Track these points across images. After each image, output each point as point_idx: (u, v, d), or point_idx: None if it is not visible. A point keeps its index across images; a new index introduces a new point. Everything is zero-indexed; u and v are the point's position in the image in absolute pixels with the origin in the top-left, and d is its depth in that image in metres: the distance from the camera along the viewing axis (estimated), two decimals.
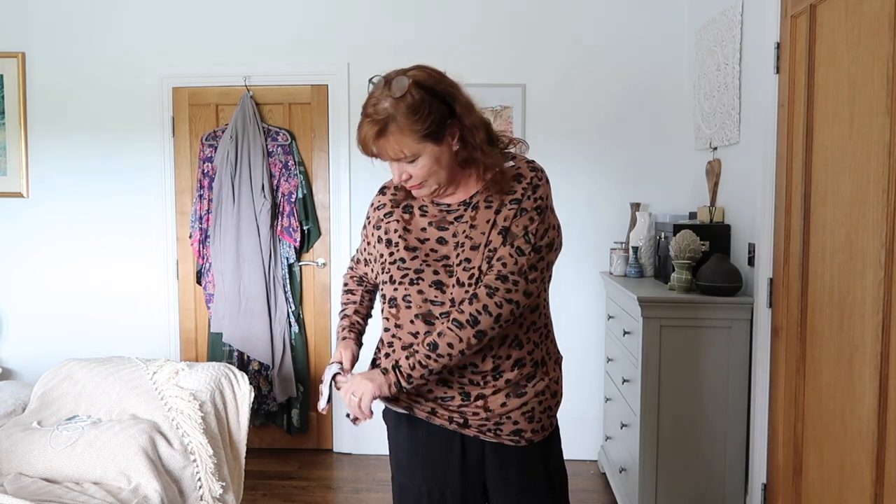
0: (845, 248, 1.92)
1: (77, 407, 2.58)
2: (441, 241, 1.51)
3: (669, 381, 2.54)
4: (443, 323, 1.45)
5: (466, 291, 1.45)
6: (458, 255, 1.48)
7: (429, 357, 1.43)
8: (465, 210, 1.51)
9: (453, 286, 1.47)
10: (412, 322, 1.50)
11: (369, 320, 1.75)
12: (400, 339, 1.53)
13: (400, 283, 1.50)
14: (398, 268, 1.51)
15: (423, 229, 1.53)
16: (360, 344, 1.68)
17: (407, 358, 1.45)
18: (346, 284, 1.77)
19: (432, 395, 1.53)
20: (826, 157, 2.05)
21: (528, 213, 1.47)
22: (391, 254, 1.53)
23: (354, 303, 1.72)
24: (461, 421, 1.52)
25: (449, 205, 1.54)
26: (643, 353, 2.54)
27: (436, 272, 1.48)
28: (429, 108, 1.39)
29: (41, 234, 3.77)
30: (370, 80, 1.46)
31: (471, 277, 1.45)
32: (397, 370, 1.45)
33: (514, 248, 1.45)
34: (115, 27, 3.65)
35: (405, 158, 1.42)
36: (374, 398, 1.46)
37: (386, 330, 1.57)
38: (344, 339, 1.67)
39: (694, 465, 2.57)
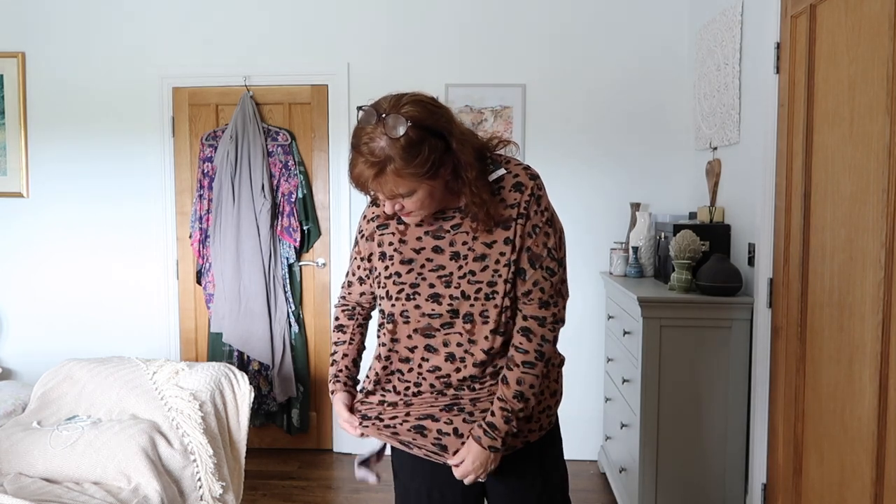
0: (845, 248, 1.92)
1: (77, 407, 2.58)
2: (437, 249, 1.49)
3: (669, 381, 2.54)
4: (511, 367, 1.45)
5: (472, 305, 1.44)
6: (460, 266, 1.46)
7: (522, 410, 1.45)
8: (463, 218, 1.48)
9: (452, 297, 1.45)
10: (409, 337, 1.49)
11: (363, 353, 1.72)
12: (397, 352, 1.52)
13: (397, 299, 1.48)
14: (394, 283, 1.49)
15: (419, 238, 1.50)
16: (353, 390, 1.67)
17: (506, 422, 1.44)
18: (336, 318, 1.71)
19: (422, 413, 1.50)
20: (826, 157, 2.05)
21: (542, 228, 1.46)
22: (386, 268, 1.51)
23: (344, 342, 1.67)
24: (452, 434, 1.48)
25: (444, 211, 1.51)
26: (643, 353, 2.54)
27: (431, 285, 1.46)
28: (427, 148, 1.33)
29: (41, 235, 3.77)
30: (360, 108, 1.38)
31: (478, 291, 1.44)
32: (492, 432, 1.44)
33: (544, 271, 1.46)
34: (115, 27, 3.65)
35: (401, 196, 1.39)
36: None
37: (382, 345, 1.55)
38: (333, 392, 1.65)
39: (694, 465, 2.57)
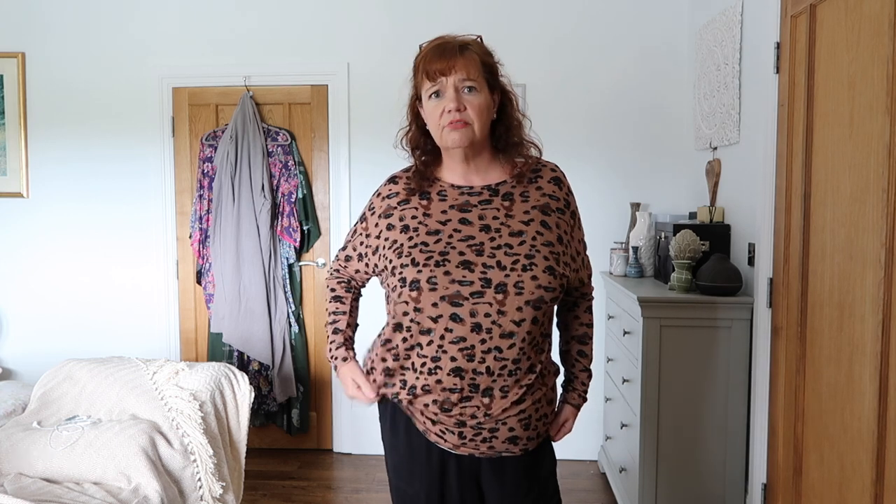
0: (845, 248, 1.92)
1: (77, 407, 2.58)
2: (464, 221, 1.49)
3: (669, 381, 2.54)
4: (588, 343, 1.70)
5: (507, 276, 1.43)
6: (492, 238, 1.47)
7: (590, 367, 1.70)
8: (493, 196, 1.51)
9: (486, 266, 1.44)
10: (435, 305, 1.44)
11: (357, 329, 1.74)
12: (419, 323, 1.46)
13: (424, 266, 1.45)
14: (420, 251, 1.47)
15: (444, 212, 1.51)
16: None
17: (585, 383, 1.69)
18: (333, 290, 1.71)
19: (436, 395, 1.47)
20: (826, 157, 2.05)
21: (579, 221, 1.63)
22: (410, 238, 1.49)
23: (345, 313, 1.69)
24: (456, 434, 1.49)
25: (471, 187, 1.52)
26: (643, 353, 2.54)
27: (461, 253, 1.45)
28: (492, 57, 1.53)
29: (41, 235, 3.77)
30: (421, 46, 1.53)
31: (515, 263, 1.45)
32: (582, 395, 1.69)
33: (584, 254, 1.65)
34: (115, 27, 3.66)
35: (469, 81, 1.46)
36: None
37: (405, 314, 1.49)
38: (345, 359, 1.64)
39: (694, 465, 2.57)
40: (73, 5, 3.66)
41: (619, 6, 3.47)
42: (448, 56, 1.45)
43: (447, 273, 1.44)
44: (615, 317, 3.09)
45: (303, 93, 3.63)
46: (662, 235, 3.00)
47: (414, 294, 1.45)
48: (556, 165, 1.63)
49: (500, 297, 1.43)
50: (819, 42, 2.10)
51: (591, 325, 1.70)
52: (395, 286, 1.49)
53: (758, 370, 2.46)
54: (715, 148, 3.03)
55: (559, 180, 1.59)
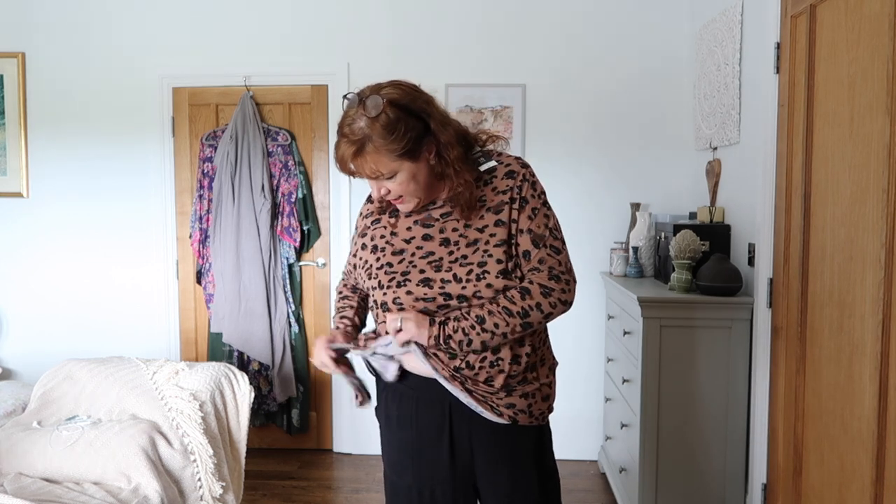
0: (845, 248, 1.92)
1: (77, 407, 2.58)
2: (426, 237, 1.52)
3: (669, 381, 2.54)
4: (492, 303, 1.44)
5: (464, 287, 1.45)
6: (451, 252, 1.49)
7: (473, 328, 1.44)
8: (452, 207, 1.52)
9: (444, 281, 1.46)
10: None
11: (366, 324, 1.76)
12: None
13: (388, 287, 1.51)
14: (385, 272, 1.52)
15: (409, 228, 1.55)
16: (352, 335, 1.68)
17: (455, 320, 1.45)
18: (340, 292, 1.77)
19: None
20: (826, 157, 2.05)
21: (541, 210, 1.50)
22: (378, 259, 1.54)
23: (353, 308, 1.72)
24: (460, 379, 1.50)
25: (434, 202, 1.55)
26: (643, 353, 2.54)
27: (422, 270, 1.49)
28: (404, 126, 1.38)
29: (41, 234, 3.77)
30: (344, 97, 1.44)
31: (469, 273, 1.46)
32: (442, 326, 1.45)
33: (549, 249, 1.48)
34: (116, 27, 3.65)
35: (382, 176, 1.43)
36: (412, 341, 1.47)
37: (386, 333, 1.56)
38: (336, 327, 1.68)
39: (694, 465, 2.57)
40: (74, 5, 3.66)
41: (620, 6, 3.47)
42: (347, 167, 1.43)
43: (409, 293, 1.49)
44: (615, 317, 3.09)
45: (303, 93, 3.63)
46: (662, 235, 3.00)
47: (385, 315, 1.53)
48: (514, 160, 1.53)
49: (465, 307, 1.47)
50: (819, 42, 2.10)
51: (510, 300, 1.44)
52: (371, 306, 1.59)
53: (758, 370, 2.46)
54: (715, 148, 3.03)
55: (513, 172, 1.50)
